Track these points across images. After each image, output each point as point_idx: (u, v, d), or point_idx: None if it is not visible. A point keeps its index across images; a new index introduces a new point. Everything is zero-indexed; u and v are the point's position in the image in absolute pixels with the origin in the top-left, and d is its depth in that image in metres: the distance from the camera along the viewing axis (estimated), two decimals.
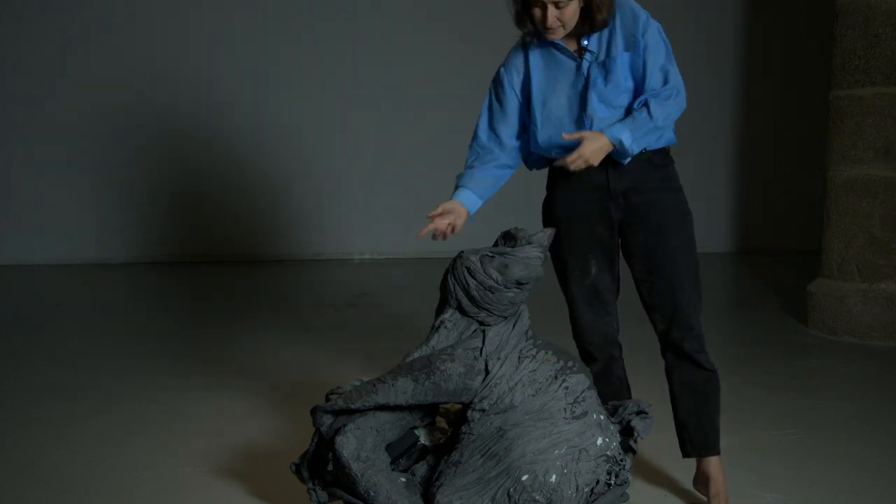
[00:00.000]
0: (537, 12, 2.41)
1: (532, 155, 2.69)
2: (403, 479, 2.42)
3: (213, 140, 7.32)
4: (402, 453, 2.50)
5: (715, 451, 2.62)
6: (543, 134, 2.57)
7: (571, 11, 2.39)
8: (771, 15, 7.71)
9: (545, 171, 2.81)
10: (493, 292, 2.41)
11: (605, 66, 2.47)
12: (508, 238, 2.51)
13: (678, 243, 2.55)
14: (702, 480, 2.65)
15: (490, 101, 2.66)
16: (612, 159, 2.51)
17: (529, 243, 2.46)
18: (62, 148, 7.20)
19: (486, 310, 2.44)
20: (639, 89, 2.49)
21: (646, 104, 2.44)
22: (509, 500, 2.26)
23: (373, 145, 7.40)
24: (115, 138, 7.24)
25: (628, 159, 2.50)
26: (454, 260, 2.49)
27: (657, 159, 2.57)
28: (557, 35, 2.45)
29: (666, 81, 2.46)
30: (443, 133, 7.28)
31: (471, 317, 2.47)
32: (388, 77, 7.35)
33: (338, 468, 2.33)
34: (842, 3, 4.69)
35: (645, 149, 2.52)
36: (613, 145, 2.43)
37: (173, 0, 7.20)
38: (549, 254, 2.55)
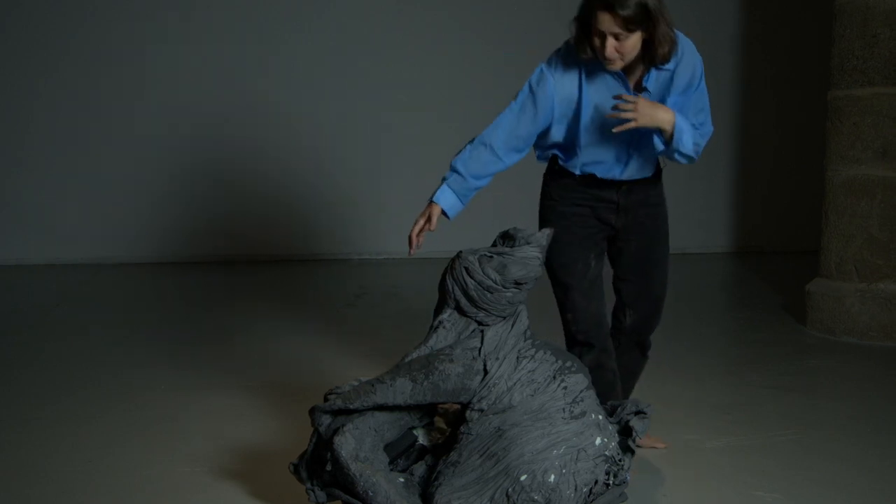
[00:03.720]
0: (597, 42, 2.38)
1: (548, 152, 2.73)
2: (402, 479, 2.42)
3: (213, 141, 7.32)
4: (400, 453, 2.50)
5: None
6: (586, 155, 2.63)
7: (632, 44, 2.36)
8: (771, 14, 7.72)
9: (541, 172, 2.84)
10: (491, 292, 2.42)
11: None
12: (507, 238, 2.52)
13: (664, 252, 2.84)
14: None
15: (523, 103, 2.57)
16: (624, 183, 2.67)
17: (528, 243, 2.47)
18: (62, 148, 7.20)
19: (485, 310, 2.45)
20: None
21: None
22: (508, 500, 2.27)
23: (373, 145, 7.40)
24: (115, 138, 7.24)
25: (661, 148, 2.55)
26: (452, 260, 2.49)
27: (658, 177, 2.76)
28: (616, 66, 2.42)
29: (703, 123, 2.66)
30: (443, 133, 7.28)
31: (469, 317, 2.47)
32: (388, 77, 7.35)
33: (336, 468, 2.33)
34: (841, 3, 4.69)
35: (662, 165, 2.73)
36: (670, 125, 2.45)
37: (175, 0, 7.20)
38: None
